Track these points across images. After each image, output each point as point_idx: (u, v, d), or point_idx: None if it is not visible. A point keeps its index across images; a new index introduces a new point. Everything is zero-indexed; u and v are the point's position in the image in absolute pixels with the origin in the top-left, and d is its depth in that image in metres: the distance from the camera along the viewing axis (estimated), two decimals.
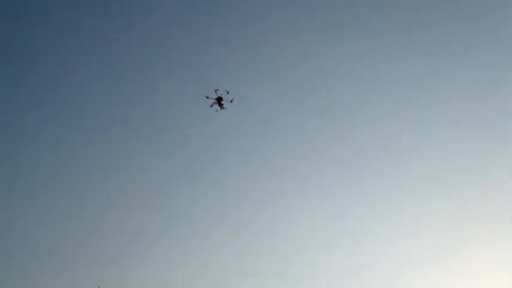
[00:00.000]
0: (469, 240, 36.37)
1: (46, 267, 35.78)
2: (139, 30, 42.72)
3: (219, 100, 29.98)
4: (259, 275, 35.46)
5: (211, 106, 30.21)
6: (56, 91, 42.43)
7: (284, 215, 38.86)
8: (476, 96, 40.88)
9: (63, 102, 42.19)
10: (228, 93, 29.94)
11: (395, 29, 42.07)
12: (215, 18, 42.58)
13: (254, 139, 41.48)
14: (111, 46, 42.52)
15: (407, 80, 41.93)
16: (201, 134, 40.61)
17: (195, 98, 32.16)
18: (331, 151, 40.79)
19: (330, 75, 42.11)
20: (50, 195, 39.17)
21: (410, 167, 39.94)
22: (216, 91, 29.90)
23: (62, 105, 42.01)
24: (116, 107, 42.12)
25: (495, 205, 37.22)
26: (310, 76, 42.26)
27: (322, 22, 42.40)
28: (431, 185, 38.86)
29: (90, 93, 42.38)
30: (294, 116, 41.86)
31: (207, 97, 30.03)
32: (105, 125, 41.59)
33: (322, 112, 41.81)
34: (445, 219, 37.25)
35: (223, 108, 30.17)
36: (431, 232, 36.96)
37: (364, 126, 41.71)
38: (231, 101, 30.12)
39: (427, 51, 41.70)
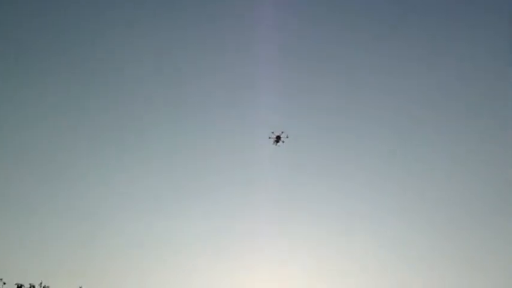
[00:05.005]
0: None
1: None
2: None
3: (278, 138, 38.29)
4: None
5: (269, 138, 38.56)
6: None
7: None
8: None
9: None
10: (287, 137, 38.26)
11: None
12: None
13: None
14: None
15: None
16: None
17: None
18: None
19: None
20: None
21: None
22: (282, 132, 38.22)
23: None
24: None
25: None
26: None
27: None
28: None
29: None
30: None
31: (273, 132, 38.32)
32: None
33: None
34: None
35: (277, 145, 38.59)
36: None
37: None
38: (283, 142, 38.54)
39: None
